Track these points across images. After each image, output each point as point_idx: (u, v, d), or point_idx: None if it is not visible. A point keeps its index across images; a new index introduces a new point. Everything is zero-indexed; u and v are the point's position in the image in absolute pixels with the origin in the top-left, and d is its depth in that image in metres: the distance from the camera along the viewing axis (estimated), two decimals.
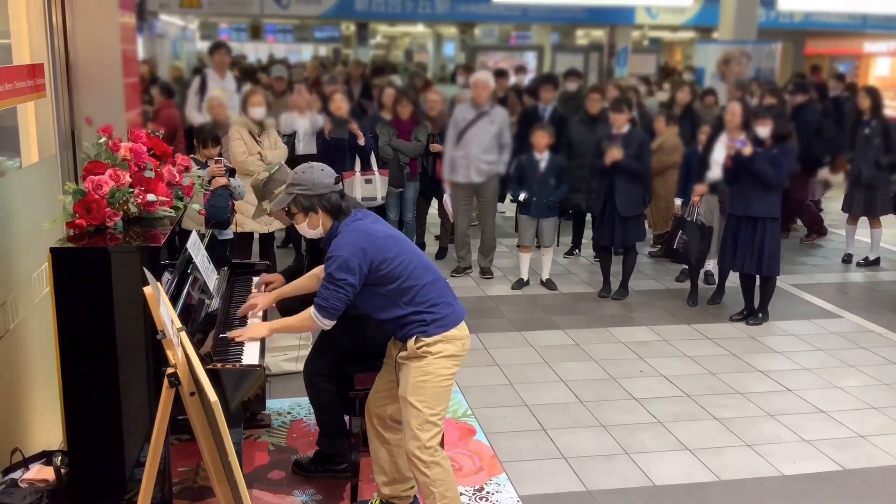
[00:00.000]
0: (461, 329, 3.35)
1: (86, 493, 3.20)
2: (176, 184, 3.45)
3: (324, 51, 26.55)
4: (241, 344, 3.32)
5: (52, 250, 2.83)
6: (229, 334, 3.34)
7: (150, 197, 3.14)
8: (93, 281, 2.89)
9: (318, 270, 3.60)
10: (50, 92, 4.06)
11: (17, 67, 3.61)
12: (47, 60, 4.04)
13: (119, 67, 4.39)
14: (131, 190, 3.12)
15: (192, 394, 2.19)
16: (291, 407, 4.75)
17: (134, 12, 4.75)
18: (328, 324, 3.25)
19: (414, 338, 3.27)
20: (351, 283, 3.15)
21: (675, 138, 7.49)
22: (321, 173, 3.28)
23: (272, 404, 4.70)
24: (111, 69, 4.35)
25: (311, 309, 3.24)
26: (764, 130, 6.04)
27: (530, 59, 16.41)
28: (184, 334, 2.23)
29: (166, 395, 2.20)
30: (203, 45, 21.82)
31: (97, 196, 2.99)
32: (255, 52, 24.61)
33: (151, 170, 3.26)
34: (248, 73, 10.02)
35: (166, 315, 2.20)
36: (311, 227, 3.31)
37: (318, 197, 3.24)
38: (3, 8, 3.96)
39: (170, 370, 2.20)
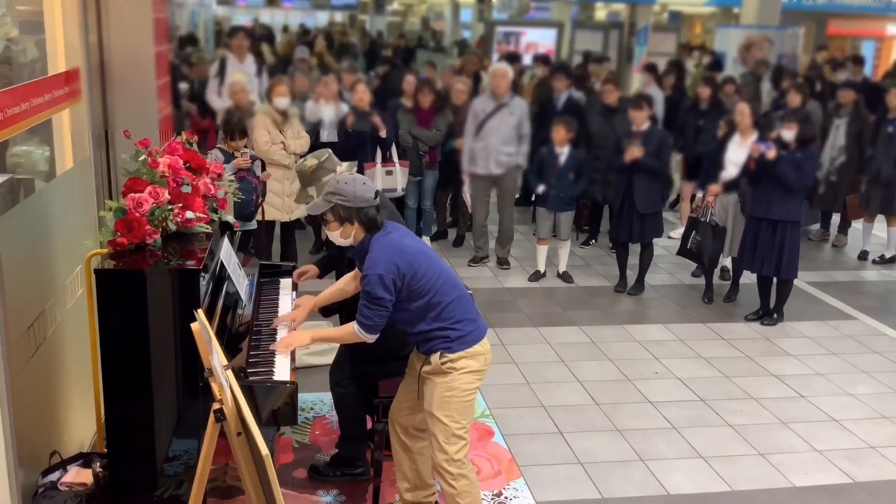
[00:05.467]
0: (483, 345, 3.44)
1: (121, 492, 3.33)
2: (211, 196, 3.53)
3: (340, 17, 26.37)
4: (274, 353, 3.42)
5: (96, 272, 2.92)
6: (272, 347, 3.40)
7: (189, 214, 3.22)
8: (132, 297, 3.00)
9: (355, 273, 3.66)
10: (85, 94, 4.11)
11: (53, 77, 3.66)
12: (83, 62, 4.09)
13: (152, 68, 4.43)
14: (170, 207, 3.20)
15: (238, 434, 2.28)
16: (315, 402, 4.87)
17: (166, 11, 4.77)
18: (372, 338, 3.34)
19: (438, 353, 3.36)
20: (389, 300, 3.24)
21: None
22: (363, 187, 3.32)
23: None
24: (144, 70, 4.39)
25: (354, 324, 3.32)
26: (788, 133, 6.05)
27: (549, 36, 16.26)
28: (230, 374, 2.31)
29: (212, 430, 2.28)
30: (220, 11, 21.70)
31: (137, 214, 3.07)
32: (271, 18, 24.51)
33: (188, 185, 3.33)
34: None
35: (214, 355, 2.28)
36: (343, 237, 3.37)
37: (356, 210, 3.29)
38: (39, 10, 4.01)
39: (216, 405, 2.28)
